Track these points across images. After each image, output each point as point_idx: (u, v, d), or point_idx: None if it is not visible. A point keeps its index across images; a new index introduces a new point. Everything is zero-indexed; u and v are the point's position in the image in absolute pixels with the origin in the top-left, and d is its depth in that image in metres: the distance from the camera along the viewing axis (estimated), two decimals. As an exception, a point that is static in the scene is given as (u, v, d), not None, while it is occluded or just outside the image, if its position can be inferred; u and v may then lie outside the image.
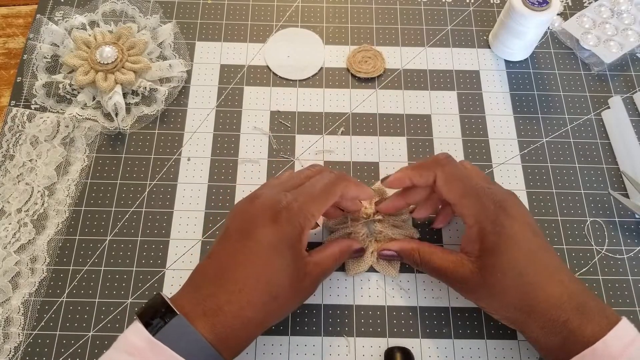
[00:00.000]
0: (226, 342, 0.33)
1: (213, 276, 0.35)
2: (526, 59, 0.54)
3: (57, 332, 0.41)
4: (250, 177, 0.48)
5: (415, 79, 0.53)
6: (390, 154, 0.49)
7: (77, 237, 0.45)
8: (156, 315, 0.32)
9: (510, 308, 0.36)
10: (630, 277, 0.44)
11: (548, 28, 0.56)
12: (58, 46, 0.52)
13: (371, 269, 0.43)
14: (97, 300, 0.42)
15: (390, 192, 0.46)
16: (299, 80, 0.52)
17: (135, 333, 0.32)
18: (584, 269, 0.44)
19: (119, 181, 0.47)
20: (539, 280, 0.35)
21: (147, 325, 0.32)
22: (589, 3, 0.57)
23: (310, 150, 0.49)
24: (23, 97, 0.50)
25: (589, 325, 0.33)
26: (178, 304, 0.33)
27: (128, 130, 0.49)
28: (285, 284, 0.35)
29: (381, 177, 0.47)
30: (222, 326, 0.33)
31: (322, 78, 0.53)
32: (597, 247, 0.45)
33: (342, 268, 0.43)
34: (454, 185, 0.38)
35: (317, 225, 0.44)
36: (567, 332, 0.34)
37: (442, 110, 0.51)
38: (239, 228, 0.36)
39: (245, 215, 0.36)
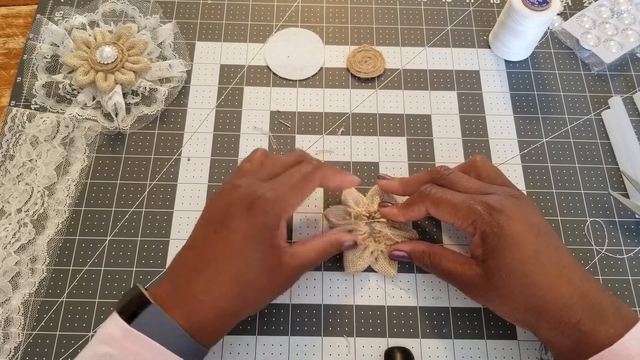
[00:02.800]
0: (202, 331, 0.34)
1: (189, 266, 0.35)
2: (526, 59, 0.54)
3: (57, 332, 0.41)
4: (250, 177, 0.47)
5: (415, 79, 0.53)
6: (390, 154, 0.49)
7: (77, 237, 0.45)
8: (133, 306, 0.33)
9: (520, 310, 0.35)
10: (630, 277, 0.44)
11: (548, 28, 0.56)
12: (58, 46, 0.52)
13: (370, 269, 0.43)
14: (97, 300, 0.42)
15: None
16: (299, 80, 0.52)
17: (113, 324, 0.33)
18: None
19: (119, 181, 0.47)
20: (545, 280, 0.34)
21: (126, 317, 0.32)
22: (589, 3, 0.57)
23: (310, 150, 0.49)
24: (23, 97, 0.50)
25: (603, 327, 0.33)
26: (155, 294, 0.34)
27: (128, 130, 0.49)
28: (258, 273, 0.35)
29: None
30: (197, 315, 0.33)
31: (322, 78, 0.53)
32: (597, 247, 0.45)
33: (341, 267, 0.44)
34: (443, 208, 0.38)
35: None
36: (579, 333, 0.33)
37: (442, 110, 0.51)
38: (216, 218, 0.36)
39: (223, 205, 0.36)
